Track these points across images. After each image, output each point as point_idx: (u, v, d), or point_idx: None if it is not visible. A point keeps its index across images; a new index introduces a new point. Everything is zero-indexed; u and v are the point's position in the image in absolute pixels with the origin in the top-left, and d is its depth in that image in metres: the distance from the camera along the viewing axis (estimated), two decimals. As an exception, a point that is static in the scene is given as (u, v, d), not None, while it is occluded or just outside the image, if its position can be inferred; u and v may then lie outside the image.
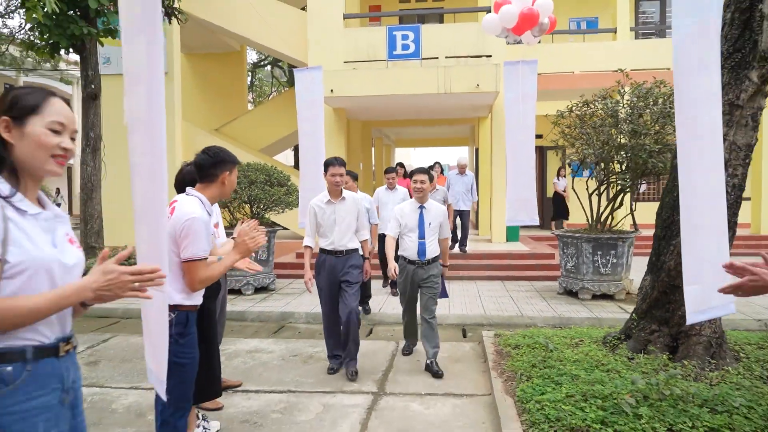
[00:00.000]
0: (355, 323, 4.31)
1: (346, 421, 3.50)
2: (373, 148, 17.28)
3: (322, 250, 4.46)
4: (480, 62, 10.15)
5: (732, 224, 3.73)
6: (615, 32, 12.47)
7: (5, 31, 19.70)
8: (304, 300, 7.02)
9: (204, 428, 3.16)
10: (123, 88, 2.02)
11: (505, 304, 6.75)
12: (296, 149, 19.03)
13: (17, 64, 20.48)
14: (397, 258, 4.57)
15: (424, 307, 4.50)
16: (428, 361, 4.46)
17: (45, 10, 5.85)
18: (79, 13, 8.07)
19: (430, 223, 4.49)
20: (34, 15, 5.91)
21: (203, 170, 2.58)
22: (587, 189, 7.33)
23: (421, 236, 4.48)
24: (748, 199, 12.80)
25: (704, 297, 2.77)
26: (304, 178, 6.99)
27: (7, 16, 19.33)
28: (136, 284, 1.36)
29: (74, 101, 27.68)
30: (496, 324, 5.95)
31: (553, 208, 12.90)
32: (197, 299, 2.51)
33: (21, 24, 18.23)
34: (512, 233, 10.80)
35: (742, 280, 1.94)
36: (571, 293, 7.16)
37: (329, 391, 4.04)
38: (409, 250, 4.51)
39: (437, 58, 10.83)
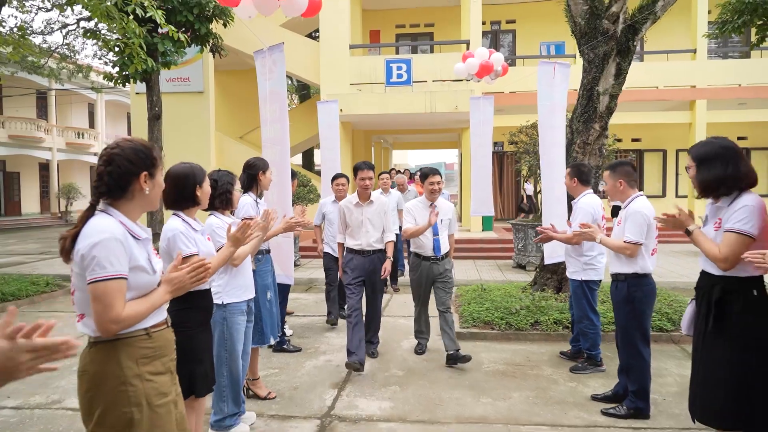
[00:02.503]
0: (378, 322, 4.86)
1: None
2: (372, 149, 19.76)
3: (350, 250, 4.61)
4: (458, 88, 12.62)
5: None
6: (575, 57, 14.93)
7: (44, 46, 22.12)
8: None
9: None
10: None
11: (470, 274, 9.26)
12: (304, 154, 21.54)
13: (54, 74, 22.90)
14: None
15: (440, 301, 4.63)
16: (451, 353, 4.50)
17: (146, 66, 8.29)
18: (146, 50, 10.47)
19: (441, 220, 4.56)
20: (137, 68, 8.31)
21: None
22: (535, 191, 9.88)
23: (435, 233, 4.56)
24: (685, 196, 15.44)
25: (552, 250, 5.27)
26: (325, 180, 9.44)
27: (48, 34, 21.76)
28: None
29: (97, 106, 30.11)
30: (460, 284, 8.43)
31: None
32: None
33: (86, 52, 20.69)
34: (487, 224, 13.29)
35: (542, 236, 4.44)
36: (521, 266, 9.68)
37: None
38: (425, 246, 4.58)
39: (426, 81, 13.33)
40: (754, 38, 10.25)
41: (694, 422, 2.63)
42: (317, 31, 15.96)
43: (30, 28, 20.58)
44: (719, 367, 2.49)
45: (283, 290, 4.95)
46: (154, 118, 10.99)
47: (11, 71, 21.81)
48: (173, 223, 2.59)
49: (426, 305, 4.83)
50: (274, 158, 4.40)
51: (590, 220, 4.10)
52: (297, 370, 4.53)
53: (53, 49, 21.81)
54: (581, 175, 4.29)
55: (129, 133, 34.67)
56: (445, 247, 4.63)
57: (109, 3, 7.50)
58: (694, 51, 14.63)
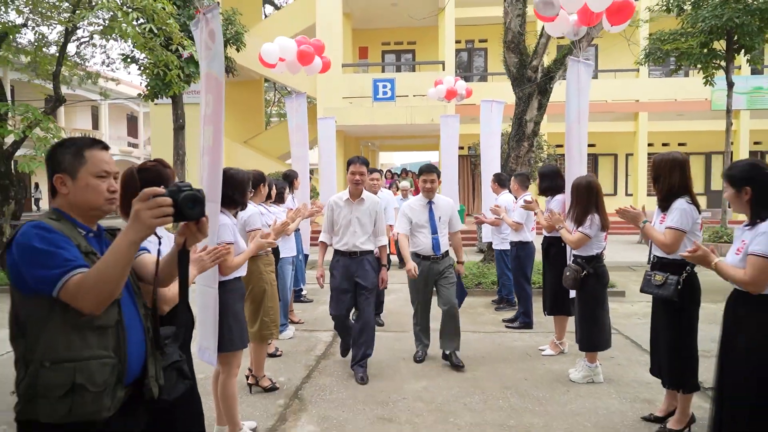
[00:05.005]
0: (371, 332, 4.33)
1: (355, 288, 8.27)
2: (361, 151, 21.98)
3: (336, 251, 4.32)
4: (434, 103, 14.86)
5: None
6: (537, 75, 17.30)
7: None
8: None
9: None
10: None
11: (441, 256, 11.57)
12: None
13: (66, 80, 24.75)
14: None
15: (444, 300, 4.51)
16: (447, 352, 4.57)
17: (181, 88, 10.44)
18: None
19: (440, 218, 4.45)
20: (175, 91, 10.42)
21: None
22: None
23: (434, 231, 4.41)
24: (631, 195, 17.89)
25: (486, 231, 7.57)
26: (322, 179, 11.65)
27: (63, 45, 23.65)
28: None
29: (101, 109, 31.95)
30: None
31: None
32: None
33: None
34: (460, 217, 15.59)
35: (477, 221, 6.74)
36: (482, 251, 11.99)
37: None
38: (424, 245, 4.44)
39: (407, 96, 15.59)
40: (675, 66, 12.75)
41: (545, 314, 4.97)
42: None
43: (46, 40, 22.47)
44: (551, 280, 4.80)
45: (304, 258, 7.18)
46: (179, 128, 13.10)
47: (28, 78, 23.59)
48: (259, 209, 4.81)
49: (426, 308, 4.69)
50: (301, 169, 6.63)
51: (506, 209, 6.38)
52: (314, 311, 6.78)
53: (68, 58, 23.67)
54: (500, 181, 6.59)
55: (129, 133, 36.49)
56: (444, 246, 4.49)
57: (152, 41, 9.60)
58: (638, 70, 17.06)
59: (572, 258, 4.25)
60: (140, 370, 1.71)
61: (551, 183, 4.88)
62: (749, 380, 2.47)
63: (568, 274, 4.13)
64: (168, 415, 2.12)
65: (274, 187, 5.04)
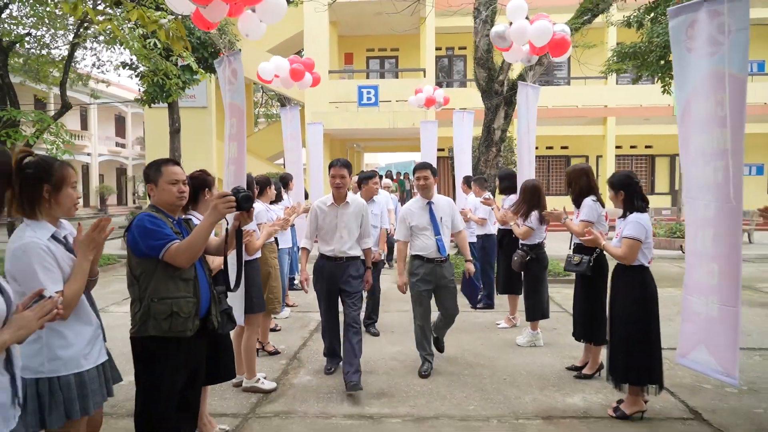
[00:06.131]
0: (357, 336, 4.18)
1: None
2: (347, 153, 22.90)
3: (322, 256, 4.27)
4: (415, 109, 15.87)
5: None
6: (512, 81, 18.38)
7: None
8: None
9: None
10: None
11: (421, 251, 12.56)
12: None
13: (56, 81, 25.25)
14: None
15: (447, 309, 4.51)
16: (436, 335, 4.70)
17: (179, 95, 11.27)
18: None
19: (441, 218, 4.31)
20: (174, 98, 11.25)
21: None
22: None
23: (437, 233, 4.28)
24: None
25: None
26: (312, 181, 12.55)
27: (56, 48, 24.17)
28: None
29: (90, 110, 32.41)
30: (413, 258, 11.70)
31: None
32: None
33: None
34: (439, 216, 16.61)
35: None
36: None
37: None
38: (428, 248, 4.30)
39: (390, 101, 16.56)
40: (636, 76, 13.87)
41: (498, 293, 5.95)
42: (299, 53, 19.01)
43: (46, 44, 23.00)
44: (504, 265, 5.80)
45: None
46: (175, 132, 13.89)
47: (21, 80, 24.07)
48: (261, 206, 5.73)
49: (428, 317, 4.49)
50: (295, 172, 7.55)
51: (473, 208, 7.38)
52: (306, 297, 7.69)
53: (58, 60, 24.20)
54: (468, 182, 7.59)
55: (117, 133, 36.93)
56: (448, 248, 4.42)
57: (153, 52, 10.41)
58: (606, 78, 18.21)
59: (521, 246, 5.25)
60: (206, 309, 2.65)
61: (510, 183, 5.88)
62: (623, 329, 3.47)
63: (516, 258, 5.12)
64: (216, 351, 3.07)
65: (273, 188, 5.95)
